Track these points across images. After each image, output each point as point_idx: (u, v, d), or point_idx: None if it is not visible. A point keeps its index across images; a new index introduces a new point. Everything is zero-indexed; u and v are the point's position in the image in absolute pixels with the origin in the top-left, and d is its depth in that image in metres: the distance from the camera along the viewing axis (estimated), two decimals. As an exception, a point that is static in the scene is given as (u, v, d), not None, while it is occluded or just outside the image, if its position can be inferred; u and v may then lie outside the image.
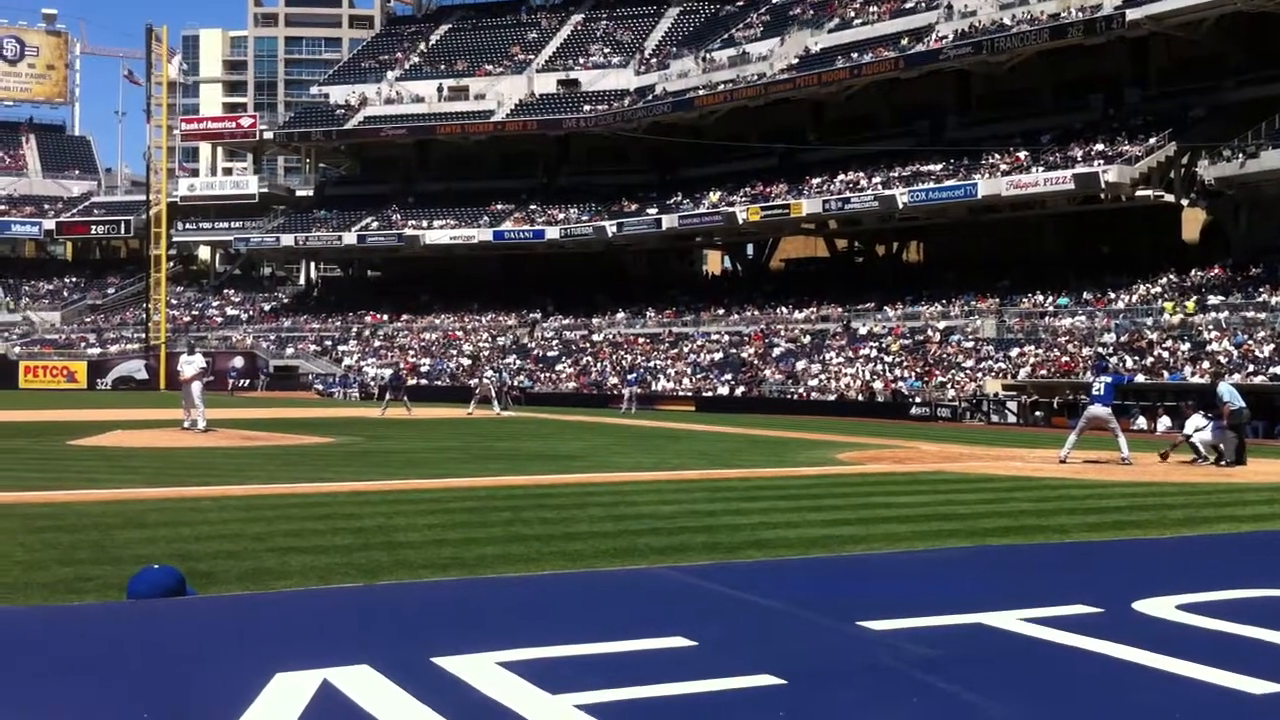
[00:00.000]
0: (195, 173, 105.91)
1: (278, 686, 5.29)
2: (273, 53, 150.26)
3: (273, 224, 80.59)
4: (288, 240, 77.47)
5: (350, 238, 75.59)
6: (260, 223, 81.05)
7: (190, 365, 27.52)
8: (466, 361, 66.23)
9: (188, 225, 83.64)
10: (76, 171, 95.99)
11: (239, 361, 69.55)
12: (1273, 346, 38.77)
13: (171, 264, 79.94)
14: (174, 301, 77.85)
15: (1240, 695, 5.35)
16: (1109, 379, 22.93)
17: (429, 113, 77.79)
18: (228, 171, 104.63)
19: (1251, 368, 37.47)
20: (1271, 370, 37.25)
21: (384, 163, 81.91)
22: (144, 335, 73.10)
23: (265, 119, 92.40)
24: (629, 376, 52.85)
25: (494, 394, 42.32)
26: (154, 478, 16.62)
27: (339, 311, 77.26)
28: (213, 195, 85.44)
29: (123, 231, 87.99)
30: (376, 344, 71.05)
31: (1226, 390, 22.01)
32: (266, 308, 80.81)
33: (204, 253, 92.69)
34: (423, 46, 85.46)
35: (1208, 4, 46.35)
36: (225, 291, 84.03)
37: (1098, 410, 21.62)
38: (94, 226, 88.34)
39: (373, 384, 63.00)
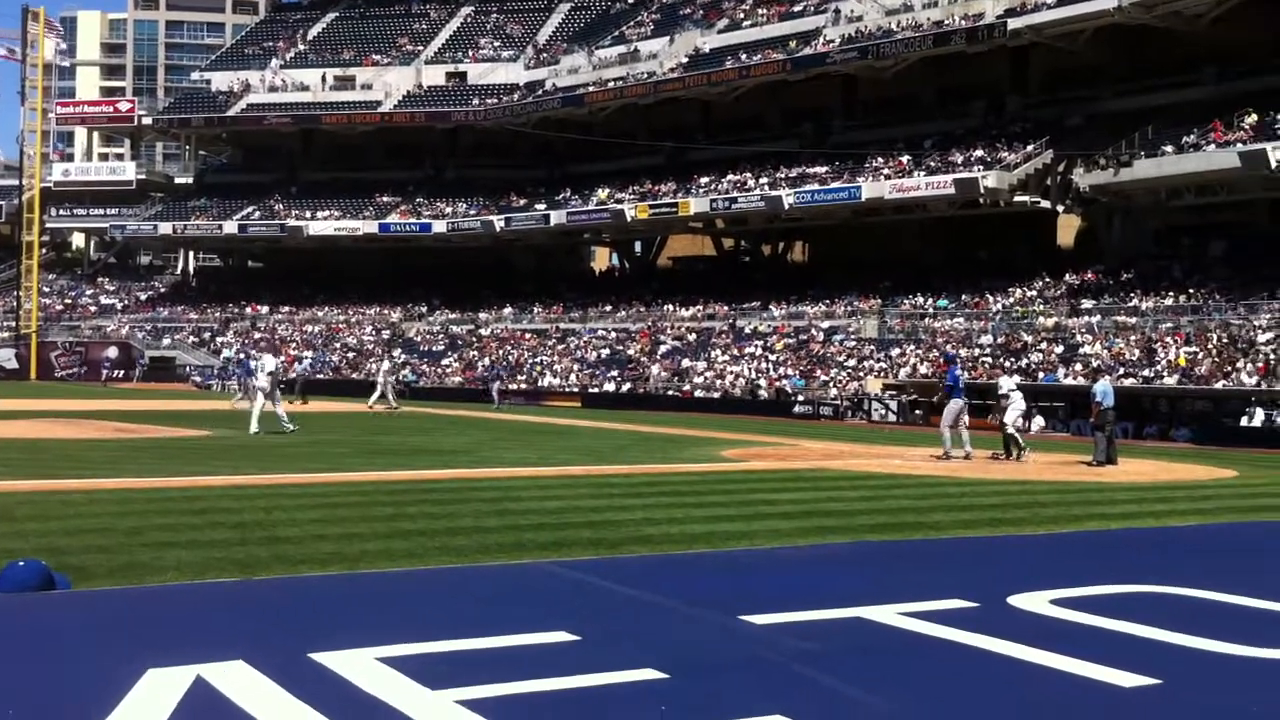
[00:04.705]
0: (70, 158, 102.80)
1: (150, 682, 5.17)
2: (153, 36, 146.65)
3: (150, 211, 78.50)
4: (166, 228, 75.58)
5: (231, 227, 74.05)
6: (137, 210, 78.87)
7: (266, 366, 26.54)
8: (351, 355, 65.48)
9: (62, 211, 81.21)
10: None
11: (113, 352, 67.73)
12: (1143, 350, 39.92)
13: (44, 251, 77.62)
14: (46, 289, 75.53)
15: (1111, 688, 5.49)
16: (952, 373, 23.66)
17: (314, 101, 76.44)
18: (104, 157, 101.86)
19: (1122, 370, 38.54)
20: (1142, 373, 38.36)
21: (267, 151, 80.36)
22: (14, 323, 71.00)
23: (144, 104, 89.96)
24: (489, 375, 53.26)
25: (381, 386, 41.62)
26: (23, 470, 16.13)
27: (218, 302, 75.74)
28: (88, 181, 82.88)
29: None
30: (256, 335, 69.81)
31: (1100, 389, 22.54)
32: (143, 297, 78.80)
33: (78, 240, 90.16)
34: (308, 34, 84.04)
35: (1086, 15, 47.49)
36: (100, 280, 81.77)
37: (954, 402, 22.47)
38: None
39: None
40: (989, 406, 25.18)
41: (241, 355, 64.58)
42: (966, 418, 22.78)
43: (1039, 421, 36.83)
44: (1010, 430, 22.42)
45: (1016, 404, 22.79)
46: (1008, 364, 41.41)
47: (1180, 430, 34.44)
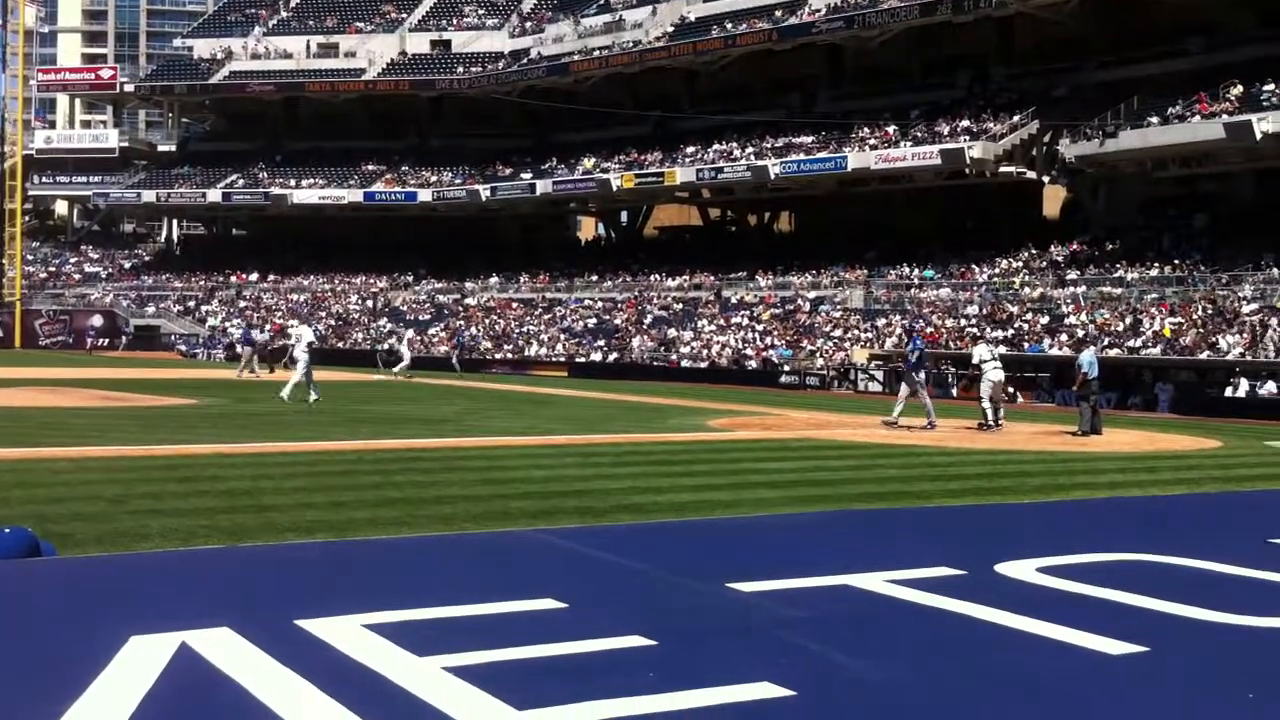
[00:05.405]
0: (52, 125, 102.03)
1: (133, 649, 5.15)
2: (134, 3, 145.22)
3: (133, 179, 78.09)
4: (149, 196, 75.19)
5: (215, 195, 73.70)
6: (120, 178, 78.45)
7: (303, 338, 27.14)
8: (336, 323, 65.28)
9: (44, 179, 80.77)
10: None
11: (98, 320, 67.55)
12: (1128, 320, 40.02)
13: (27, 219, 77.17)
14: (29, 257, 75.15)
15: (1098, 655, 5.50)
16: (915, 344, 23.98)
17: (297, 69, 75.92)
18: (86, 124, 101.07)
19: (1107, 340, 38.64)
20: (1127, 344, 38.46)
21: (250, 119, 79.79)
22: (-3, 291, 70.79)
23: (126, 71, 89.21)
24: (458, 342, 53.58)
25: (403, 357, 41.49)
26: (7, 438, 16.05)
27: (203, 270, 75.44)
28: (71, 148, 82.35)
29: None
30: (242, 304, 69.57)
31: (1087, 359, 22.62)
32: (127, 265, 78.49)
33: (61, 207, 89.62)
34: (291, 1, 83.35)
35: (1072, -15, 47.47)
36: (83, 248, 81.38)
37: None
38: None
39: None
40: (975, 378, 25.23)
41: (226, 325, 64.45)
42: (906, 389, 23.13)
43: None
44: (984, 403, 22.40)
45: (990, 374, 22.64)
46: (988, 332, 41.44)
47: (1164, 387, 34.67)
